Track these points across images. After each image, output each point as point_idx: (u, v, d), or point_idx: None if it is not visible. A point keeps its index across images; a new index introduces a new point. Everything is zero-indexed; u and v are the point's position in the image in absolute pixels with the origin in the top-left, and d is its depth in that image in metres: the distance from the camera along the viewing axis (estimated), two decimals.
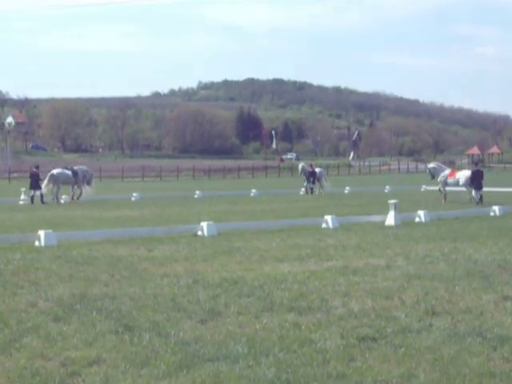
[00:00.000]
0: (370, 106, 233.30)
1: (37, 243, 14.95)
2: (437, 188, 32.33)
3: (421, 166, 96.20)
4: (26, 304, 8.84)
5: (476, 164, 33.70)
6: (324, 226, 18.69)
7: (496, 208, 22.74)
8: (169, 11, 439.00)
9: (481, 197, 28.52)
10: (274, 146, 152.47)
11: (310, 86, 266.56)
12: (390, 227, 18.67)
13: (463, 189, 30.41)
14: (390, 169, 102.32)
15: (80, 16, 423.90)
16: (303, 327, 7.53)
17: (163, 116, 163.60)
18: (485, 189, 30.31)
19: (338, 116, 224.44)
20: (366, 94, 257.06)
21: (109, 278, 10.75)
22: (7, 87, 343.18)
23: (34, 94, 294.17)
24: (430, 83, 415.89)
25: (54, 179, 32.10)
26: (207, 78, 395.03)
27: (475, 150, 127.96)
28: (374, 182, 60.53)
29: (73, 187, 33.56)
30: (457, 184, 30.62)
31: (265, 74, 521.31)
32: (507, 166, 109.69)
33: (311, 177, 38.53)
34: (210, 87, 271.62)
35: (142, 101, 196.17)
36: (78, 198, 33.18)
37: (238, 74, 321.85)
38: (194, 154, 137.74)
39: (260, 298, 9.06)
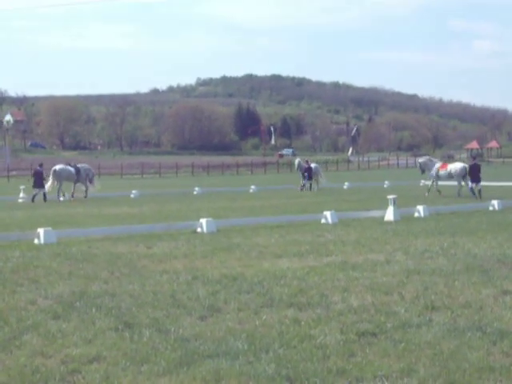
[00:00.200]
0: (368, 101, 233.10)
1: (36, 241, 14.95)
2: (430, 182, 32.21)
3: None
4: (26, 302, 8.84)
5: (474, 158, 33.73)
6: (323, 221, 18.70)
7: (495, 202, 22.74)
8: (167, 9, 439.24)
9: (479, 191, 28.56)
10: (272, 141, 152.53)
11: (309, 81, 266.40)
12: (389, 222, 18.67)
13: (455, 183, 30.47)
14: (388, 164, 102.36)
15: (79, 14, 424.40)
16: (303, 323, 7.53)
17: (162, 113, 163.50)
18: (484, 183, 30.35)
19: (337, 111, 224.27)
20: (364, 90, 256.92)
21: (108, 276, 10.76)
22: (6, 85, 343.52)
23: (32, 91, 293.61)
24: (429, 78, 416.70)
25: (57, 175, 32.04)
26: (206, 75, 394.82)
27: (474, 145, 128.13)
28: (372, 177, 60.55)
29: (74, 185, 33.50)
30: (449, 176, 30.60)
31: (263, 69, 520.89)
32: (506, 160, 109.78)
33: (307, 173, 38.55)
34: (208, 83, 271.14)
35: (140, 98, 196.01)
36: (85, 197, 33.10)
37: (237, 70, 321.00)
38: (192, 150, 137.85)
39: (259, 294, 9.06)
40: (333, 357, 6.31)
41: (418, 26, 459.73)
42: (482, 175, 29.45)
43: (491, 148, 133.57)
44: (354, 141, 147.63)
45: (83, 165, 35.60)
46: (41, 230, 15.07)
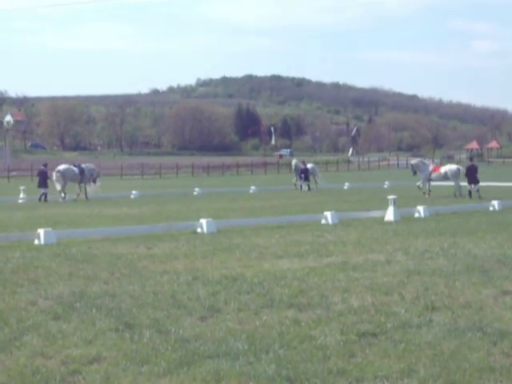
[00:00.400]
0: (368, 102, 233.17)
1: (36, 241, 14.95)
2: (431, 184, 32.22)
3: None
4: (26, 302, 8.84)
5: (471, 159, 33.70)
6: (323, 222, 18.70)
7: (495, 203, 22.76)
8: (167, 9, 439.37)
9: (477, 190, 28.62)
10: (273, 142, 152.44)
11: (309, 82, 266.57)
12: (389, 223, 18.68)
13: (452, 183, 30.60)
14: (389, 164, 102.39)
15: (79, 15, 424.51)
16: (303, 323, 7.53)
17: (162, 113, 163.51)
18: (484, 183, 30.39)
19: (337, 112, 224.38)
20: (364, 90, 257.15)
21: (108, 276, 10.75)
22: (6, 86, 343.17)
23: (32, 92, 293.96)
24: (429, 78, 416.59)
25: (61, 175, 31.94)
26: (206, 75, 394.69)
27: (474, 145, 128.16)
28: (373, 177, 60.53)
29: (79, 185, 33.34)
30: (444, 178, 30.66)
31: (263, 70, 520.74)
32: (506, 160, 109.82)
33: (303, 174, 38.54)
34: (208, 84, 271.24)
35: (140, 98, 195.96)
36: (86, 198, 32.77)
37: (237, 71, 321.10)
38: (192, 150, 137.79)
39: (260, 295, 9.06)
40: (333, 357, 6.31)
41: (417, 26, 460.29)
42: (479, 176, 29.55)
43: (491, 148, 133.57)
44: (354, 141, 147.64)
45: (88, 164, 35.34)
46: (41, 231, 15.08)
